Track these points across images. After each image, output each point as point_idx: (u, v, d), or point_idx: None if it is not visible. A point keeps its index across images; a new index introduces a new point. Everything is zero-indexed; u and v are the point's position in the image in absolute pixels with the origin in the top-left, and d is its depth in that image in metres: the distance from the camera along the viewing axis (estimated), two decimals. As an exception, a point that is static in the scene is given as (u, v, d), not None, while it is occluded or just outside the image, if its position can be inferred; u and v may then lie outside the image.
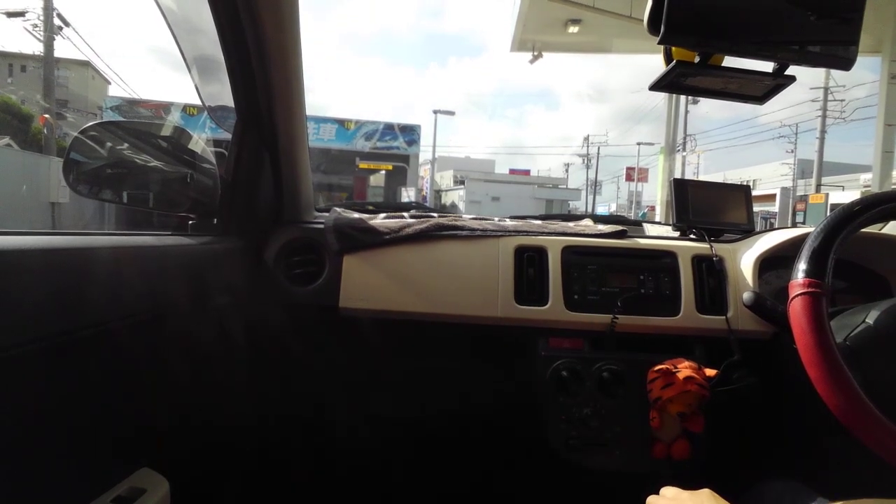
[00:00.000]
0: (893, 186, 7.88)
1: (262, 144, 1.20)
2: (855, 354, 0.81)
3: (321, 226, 1.28)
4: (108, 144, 1.01)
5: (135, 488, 0.77)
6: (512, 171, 42.64)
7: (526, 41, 10.87)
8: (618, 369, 1.19)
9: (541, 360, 1.22)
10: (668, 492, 0.78)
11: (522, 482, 1.44)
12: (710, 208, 1.40)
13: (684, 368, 1.11)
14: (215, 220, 1.17)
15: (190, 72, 1.12)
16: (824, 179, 24.00)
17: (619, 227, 1.35)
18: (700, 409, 1.13)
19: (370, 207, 1.46)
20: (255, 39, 1.04)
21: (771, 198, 27.12)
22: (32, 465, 0.61)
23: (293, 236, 1.26)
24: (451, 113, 29.64)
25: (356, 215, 1.33)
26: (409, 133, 21.35)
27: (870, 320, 0.84)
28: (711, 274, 1.24)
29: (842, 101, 24.84)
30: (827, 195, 19.26)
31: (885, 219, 0.92)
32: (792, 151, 31.33)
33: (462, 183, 34.18)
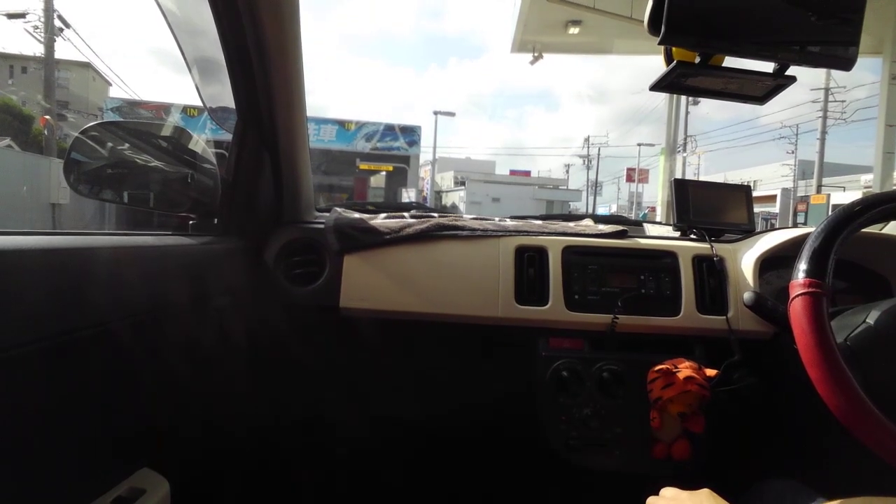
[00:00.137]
0: (894, 187, 7.88)
1: (262, 145, 1.20)
2: (855, 355, 0.81)
3: (321, 226, 1.28)
4: (109, 145, 1.01)
5: (135, 488, 0.77)
6: (512, 172, 42.61)
7: (526, 42, 10.87)
8: (618, 369, 1.19)
9: (541, 360, 1.22)
10: (668, 492, 0.78)
11: (522, 482, 1.43)
12: (710, 208, 1.39)
13: (685, 368, 1.11)
14: (216, 220, 1.17)
15: (191, 73, 1.13)
16: (825, 180, 24.00)
17: (620, 227, 1.35)
18: (700, 409, 1.12)
19: (370, 207, 1.46)
20: (255, 40, 1.04)
21: (771, 199, 27.10)
22: (33, 466, 0.61)
23: (293, 236, 1.26)
24: (452, 114, 29.67)
25: (357, 215, 1.33)
26: (410, 134, 21.35)
27: (870, 320, 0.84)
28: (712, 274, 1.24)
29: (842, 101, 24.83)
30: (828, 196, 19.25)
31: (886, 219, 0.92)
32: (792, 152, 31.32)
33: (463, 184, 34.16)
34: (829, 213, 0.90)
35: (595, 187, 42.41)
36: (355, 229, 1.25)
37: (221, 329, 1.08)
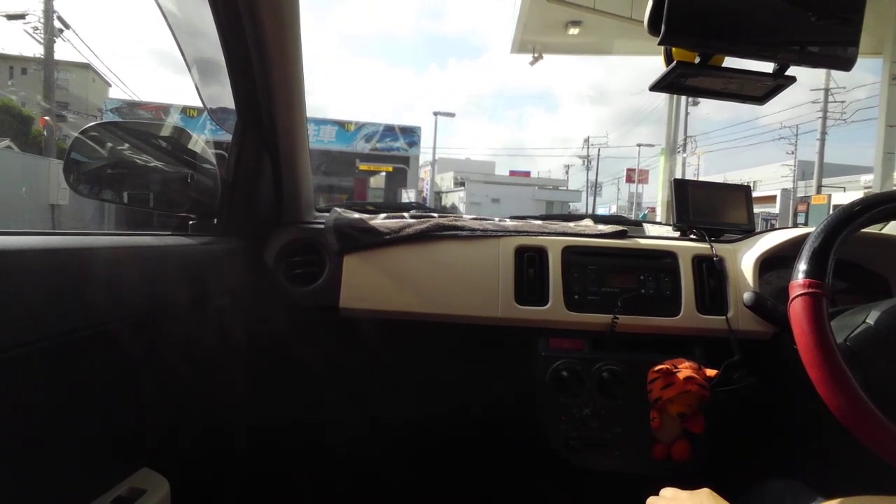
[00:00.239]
0: (894, 187, 7.88)
1: (262, 145, 1.21)
2: (855, 355, 0.81)
3: (321, 226, 1.28)
4: (109, 145, 1.01)
5: (135, 488, 0.77)
6: (512, 173, 42.62)
7: (526, 43, 10.87)
8: (618, 370, 1.19)
9: (541, 360, 1.22)
10: (668, 492, 0.78)
11: (522, 482, 1.43)
12: (710, 208, 1.40)
13: (684, 369, 1.11)
14: (216, 220, 1.17)
15: (191, 73, 1.13)
16: (825, 181, 23.98)
17: (620, 228, 1.35)
18: (700, 409, 1.12)
19: (370, 208, 1.46)
20: (255, 40, 1.04)
21: (771, 199, 27.09)
22: (33, 466, 0.61)
23: (293, 237, 1.26)
24: (452, 115, 29.62)
25: (356, 215, 1.33)
26: (410, 135, 21.34)
27: (870, 321, 0.84)
28: (712, 274, 1.24)
29: (842, 102, 24.82)
30: (829, 196, 19.25)
31: (886, 219, 0.92)
32: (792, 153, 31.32)
33: (462, 184, 34.17)
34: (830, 213, 0.90)
35: (595, 188, 42.41)
36: (355, 229, 1.25)
37: (221, 329, 1.08)
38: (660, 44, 0.77)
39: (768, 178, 32.73)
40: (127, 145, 1.04)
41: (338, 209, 1.38)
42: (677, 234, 1.42)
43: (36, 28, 13.22)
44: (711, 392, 1.11)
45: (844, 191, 21.74)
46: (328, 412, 1.35)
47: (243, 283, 1.18)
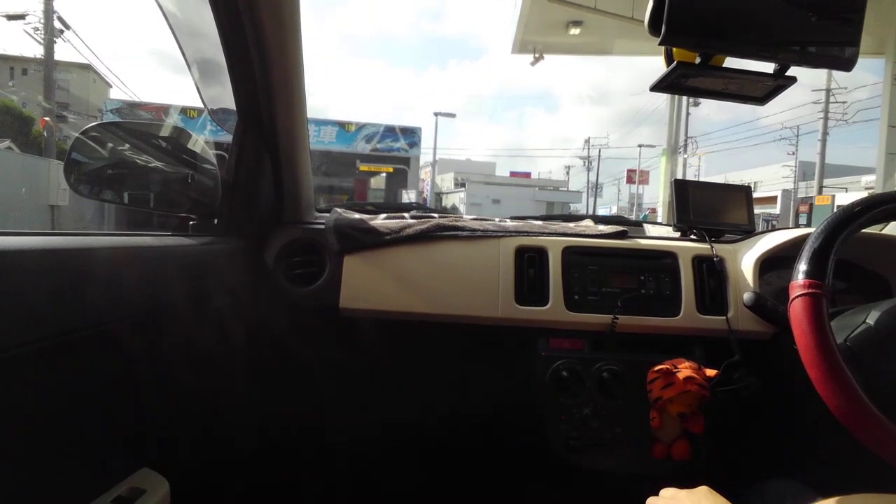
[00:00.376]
0: None
1: (262, 145, 1.21)
2: (855, 355, 0.81)
3: (322, 226, 1.28)
4: (110, 145, 1.01)
5: (135, 488, 0.77)
6: (513, 174, 42.60)
7: (527, 43, 10.84)
8: (618, 370, 1.19)
9: (541, 360, 1.22)
10: (667, 492, 0.79)
11: (522, 482, 1.43)
12: (710, 209, 1.40)
13: (684, 369, 1.11)
14: (216, 220, 1.17)
15: (191, 74, 1.13)
16: (826, 181, 23.97)
17: (620, 228, 1.35)
18: (700, 409, 1.13)
19: (370, 208, 1.46)
20: (255, 40, 1.04)
21: (772, 200, 27.09)
22: (33, 465, 0.61)
23: (294, 237, 1.26)
24: (452, 115, 29.62)
25: (357, 216, 1.33)
26: (410, 135, 21.33)
27: (870, 321, 0.84)
28: (712, 274, 1.24)
29: (843, 102, 24.78)
30: (833, 197, 19.24)
31: (886, 219, 0.92)
32: (793, 154, 31.31)
33: (463, 185, 34.16)
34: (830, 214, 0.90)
35: (595, 189, 42.39)
36: (355, 230, 1.25)
37: (221, 329, 1.08)
38: (660, 44, 0.77)
39: (769, 178, 32.73)
40: (127, 146, 1.04)
41: (338, 209, 1.38)
42: (677, 234, 1.42)
43: (36, 28, 13.22)
44: (711, 392, 1.11)
45: (846, 191, 21.74)
46: (328, 412, 1.35)
47: (243, 284, 1.18)
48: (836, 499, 0.64)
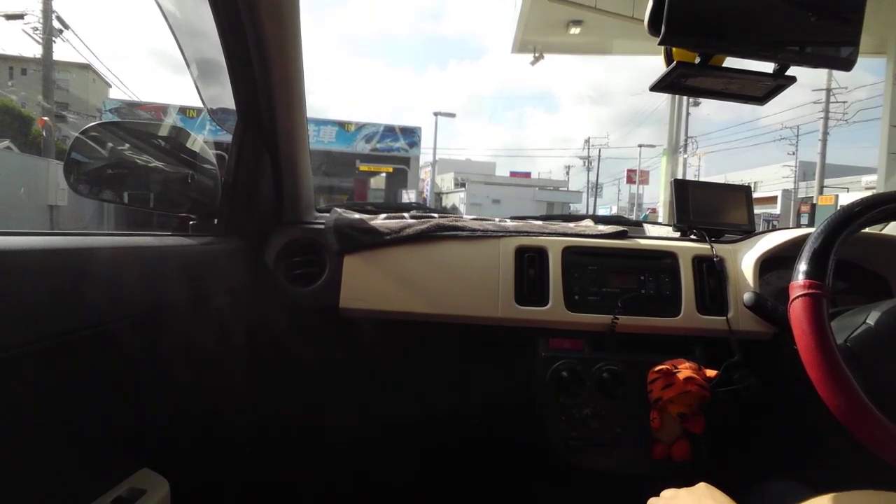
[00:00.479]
0: None
1: (262, 145, 1.21)
2: (855, 355, 0.81)
3: (321, 226, 1.28)
4: (109, 145, 1.01)
5: (135, 489, 0.77)
6: (513, 174, 42.60)
7: (527, 42, 10.83)
8: (618, 370, 1.19)
9: (541, 360, 1.22)
10: (667, 493, 0.79)
11: (522, 483, 1.43)
12: (710, 209, 1.39)
13: (684, 369, 1.11)
14: (216, 220, 1.17)
15: (191, 74, 1.13)
16: (826, 181, 23.96)
17: (620, 228, 1.35)
18: (700, 409, 1.12)
19: (370, 208, 1.46)
20: (255, 40, 1.04)
21: (772, 200, 27.08)
22: (33, 466, 0.61)
23: (294, 237, 1.26)
24: (452, 115, 29.61)
25: (357, 216, 1.33)
26: (410, 135, 21.33)
27: (870, 321, 0.84)
28: (712, 274, 1.24)
29: (844, 102, 24.76)
30: (837, 196, 19.22)
31: (886, 219, 0.92)
32: (793, 154, 31.30)
33: (463, 185, 34.16)
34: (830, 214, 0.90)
35: (596, 189, 42.39)
36: (355, 230, 1.25)
37: (221, 329, 1.08)
38: (660, 44, 0.77)
39: (769, 178, 32.74)
40: (127, 145, 1.04)
41: (338, 209, 1.38)
42: (677, 234, 1.42)
43: (35, 28, 13.22)
44: (711, 392, 1.11)
45: (848, 191, 21.73)
46: (328, 412, 1.35)
47: (243, 284, 1.18)
48: (833, 495, 0.64)
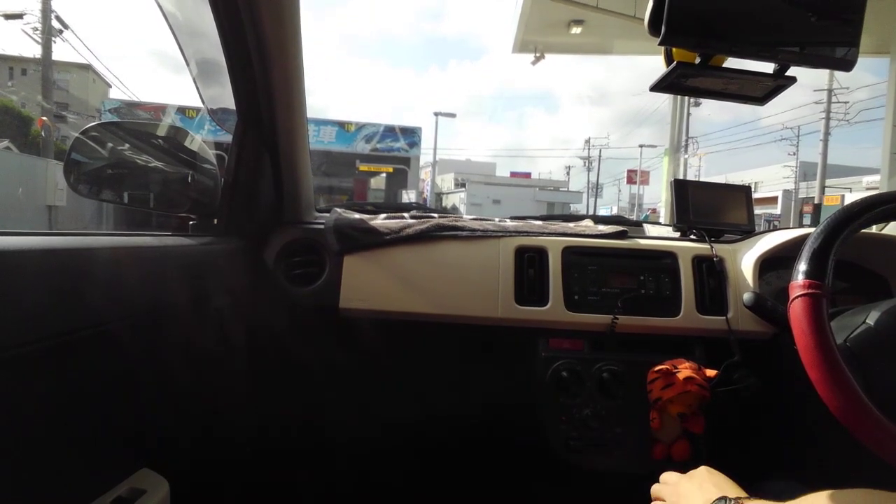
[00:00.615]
0: (896, 188, 7.84)
1: (262, 145, 1.21)
2: (855, 356, 0.81)
3: (321, 226, 1.28)
4: (109, 145, 1.01)
5: (135, 489, 0.77)
6: (513, 174, 42.60)
7: (528, 42, 10.81)
8: (618, 370, 1.19)
9: (541, 360, 1.22)
10: (669, 477, 0.80)
11: (522, 483, 1.43)
12: (710, 209, 1.39)
13: (684, 369, 1.11)
14: (216, 220, 1.17)
15: (192, 74, 1.13)
16: (827, 182, 23.93)
17: (620, 228, 1.35)
18: (700, 409, 1.12)
19: (370, 208, 1.46)
20: (255, 40, 1.04)
21: (773, 200, 27.06)
22: (33, 466, 0.61)
23: (293, 237, 1.26)
24: (453, 115, 29.59)
25: (356, 216, 1.33)
26: (410, 135, 21.32)
27: (870, 321, 0.84)
28: (712, 274, 1.24)
29: (846, 103, 24.71)
30: (842, 197, 19.20)
31: (886, 219, 0.92)
32: (794, 154, 31.28)
33: (463, 186, 34.17)
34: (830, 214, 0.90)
35: (596, 189, 42.38)
36: (355, 230, 1.25)
37: (221, 329, 1.08)
38: (660, 44, 0.77)
39: (770, 179, 32.69)
40: (127, 146, 1.04)
41: (338, 209, 1.38)
42: (677, 234, 1.42)
43: (35, 28, 13.22)
44: (711, 392, 1.11)
45: (850, 191, 21.72)
46: (328, 412, 1.35)
47: (243, 284, 1.18)
48: (831, 492, 0.64)
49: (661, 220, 11.21)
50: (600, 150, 42.40)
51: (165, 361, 0.87)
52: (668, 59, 0.83)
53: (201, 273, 1.01)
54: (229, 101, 1.16)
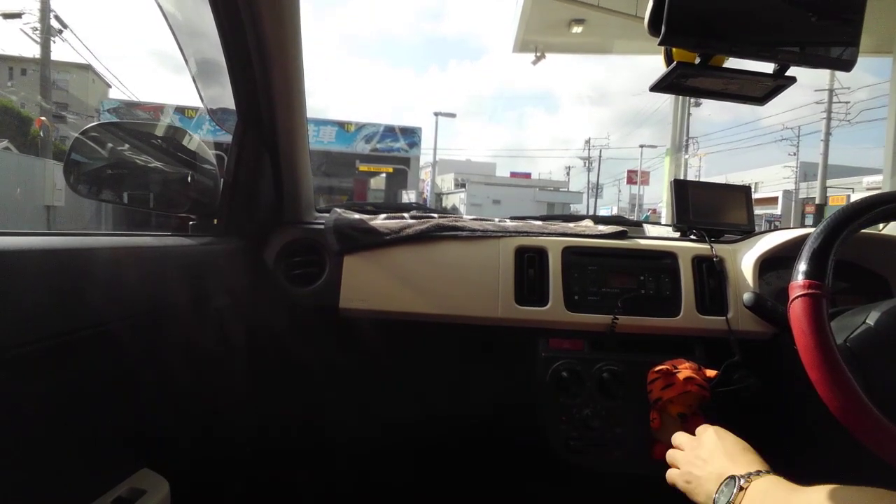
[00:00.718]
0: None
1: (262, 145, 1.21)
2: (855, 356, 0.81)
3: (321, 226, 1.28)
4: (109, 145, 1.01)
5: (135, 489, 0.77)
6: (513, 175, 42.62)
7: (528, 42, 10.79)
8: (618, 370, 1.19)
9: (541, 360, 1.22)
10: (681, 438, 0.83)
11: (522, 483, 1.43)
12: (710, 209, 1.39)
13: (684, 369, 1.11)
14: (216, 220, 1.17)
15: (192, 74, 1.13)
16: (827, 182, 23.93)
17: (620, 228, 1.35)
18: (700, 409, 1.12)
19: (370, 208, 1.46)
20: (255, 40, 1.04)
21: (773, 201, 27.06)
22: (33, 466, 0.61)
23: (293, 237, 1.26)
24: (453, 115, 29.60)
25: (356, 216, 1.33)
26: (410, 135, 21.33)
27: (870, 321, 0.84)
28: (712, 274, 1.24)
29: (847, 103, 24.69)
30: (849, 197, 19.19)
31: (885, 219, 0.92)
32: (794, 154, 31.27)
33: (463, 186, 34.19)
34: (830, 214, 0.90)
35: (596, 189, 42.39)
36: (355, 230, 1.25)
37: (221, 329, 1.08)
38: (660, 44, 0.77)
39: (770, 179, 32.69)
40: (127, 146, 1.04)
41: (338, 210, 1.38)
42: (677, 234, 1.42)
43: (35, 28, 13.23)
44: (711, 392, 1.10)
45: (853, 191, 21.71)
46: (328, 412, 1.35)
47: (243, 284, 1.18)
48: (831, 487, 0.64)
49: (662, 220, 11.21)
50: (600, 151, 42.44)
51: (165, 361, 0.87)
52: (668, 59, 0.83)
53: (201, 273, 1.01)
54: (229, 101, 1.16)
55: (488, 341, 1.29)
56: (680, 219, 1.38)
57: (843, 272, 1.31)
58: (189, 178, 1.12)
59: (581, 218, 1.55)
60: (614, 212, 43.97)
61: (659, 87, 0.87)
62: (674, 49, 0.82)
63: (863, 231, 0.88)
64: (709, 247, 1.27)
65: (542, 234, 1.29)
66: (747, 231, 1.39)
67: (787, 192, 28.22)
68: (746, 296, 1.04)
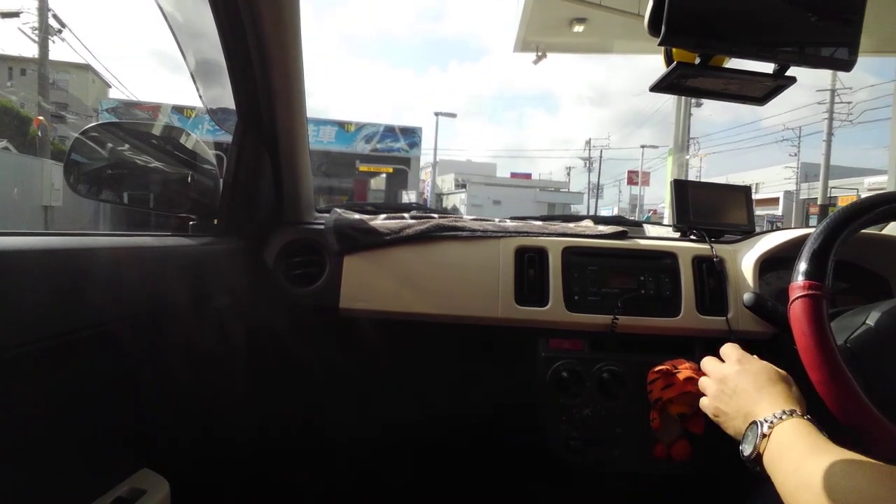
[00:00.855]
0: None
1: (262, 145, 1.21)
2: (855, 356, 0.81)
3: (321, 227, 1.28)
4: (109, 145, 1.01)
5: (135, 489, 0.77)
6: (513, 175, 42.64)
7: (529, 41, 10.75)
8: (618, 370, 1.19)
9: (541, 360, 1.22)
10: (709, 366, 0.92)
11: (522, 483, 1.43)
12: (710, 209, 1.39)
13: (685, 369, 1.10)
14: (216, 220, 1.17)
15: (191, 74, 1.13)
16: (829, 182, 23.92)
17: (620, 228, 1.35)
18: (700, 409, 1.12)
19: (370, 208, 1.46)
20: (255, 40, 1.04)
21: (774, 201, 27.04)
22: (33, 466, 0.61)
23: (294, 237, 1.26)
24: (453, 115, 29.59)
25: (356, 216, 1.33)
26: (411, 135, 21.32)
27: (870, 322, 0.84)
28: (712, 275, 1.24)
29: (849, 103, 24.66)
30: (857, 196, 19.20)
31: (885, 220, 0.92)
32: (795, 155, 31.25)
33: (464, 186, 34.20)
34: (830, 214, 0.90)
35: (597, 190, 42.39)
36: (355, 230, 1.25)
37: (221, 330, 1.08)
38: (660, 44, 0.77)
39: (771, 180, 32.67)
40: (127, 146, 1.04)
41: (338, 210, 1.38)
42: (677, 234, 1.42)
43: (34, 28, 13.22)
44: None
45: (857, 192, 21.71)
46: (328, 412, 1.35)
47: (243, 284, 1.18)
48: (847, 458, 0.64)
49: (665, 220, 11.20)
50: (601, 151, 42.48)
51: (165, 361, 0.87)
52: (668, 60, 0.83)
53: (201, 273, 1.01)
54: (229, 101, 1.16)
55: (488, 341, 1.29)
56: (680, 219, 1.38)
57: (843, 272, 1.31)
58: (189, 179, 1.12)
59: (581, 218, 1.55)
60: (615, 212, 43.96)
61: (659, 87, 0.87)
62: (674, 49, 0.82)
63: (863, 231, 0.88)
64: (709, 247, 1.27)
65: (543, 234, 1.29)
66: (747, 231, 1.39)
67: (788, 193, 28.21)
68: (746, 296, 1.04)
